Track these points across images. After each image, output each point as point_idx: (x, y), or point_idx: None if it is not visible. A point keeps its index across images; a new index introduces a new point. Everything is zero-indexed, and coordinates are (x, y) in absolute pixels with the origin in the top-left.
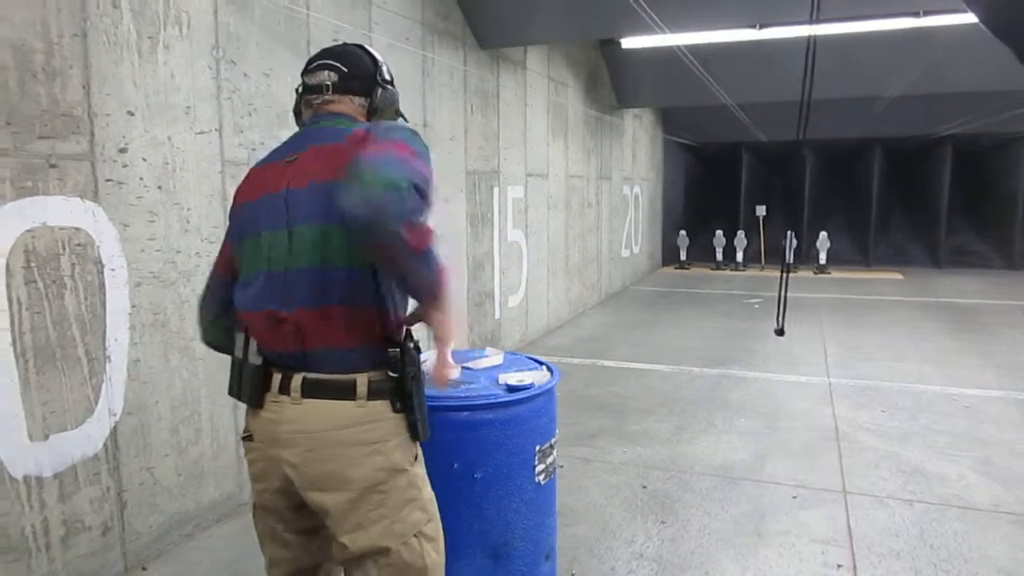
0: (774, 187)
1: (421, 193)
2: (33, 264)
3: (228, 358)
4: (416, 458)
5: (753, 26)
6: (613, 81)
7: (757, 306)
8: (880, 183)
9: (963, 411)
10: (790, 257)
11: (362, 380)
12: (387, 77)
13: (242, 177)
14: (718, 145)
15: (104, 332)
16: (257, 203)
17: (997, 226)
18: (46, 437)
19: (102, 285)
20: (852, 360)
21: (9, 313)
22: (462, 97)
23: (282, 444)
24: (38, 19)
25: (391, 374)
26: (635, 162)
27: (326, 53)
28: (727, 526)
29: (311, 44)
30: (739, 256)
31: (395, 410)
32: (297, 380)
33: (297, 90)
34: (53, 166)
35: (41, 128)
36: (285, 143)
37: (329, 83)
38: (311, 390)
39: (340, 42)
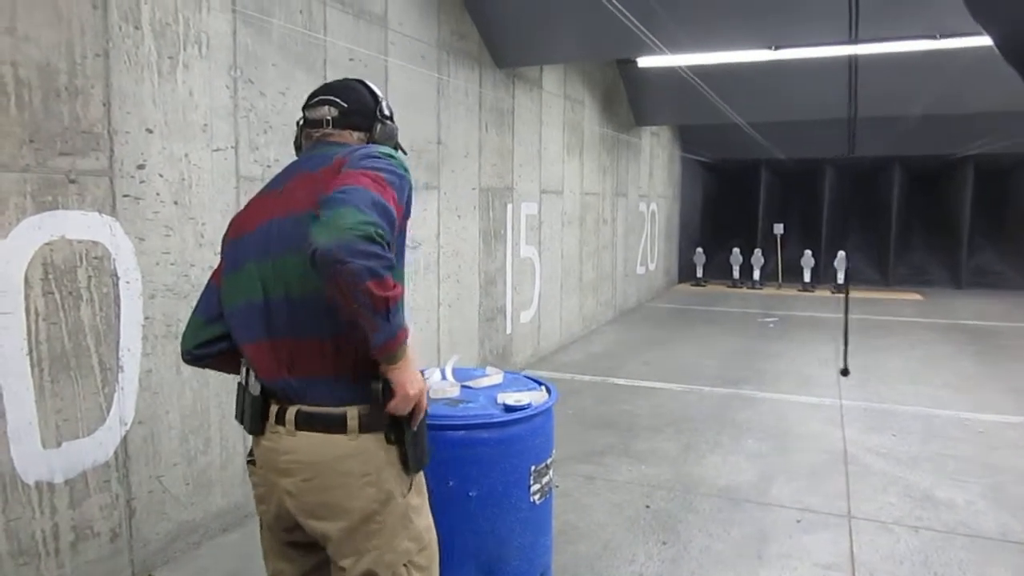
0: (793, 205)
1: (386, 235)
2: (51, 276)
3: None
4: (411, 488)
5: (769, 47)
6: (630, 99)
7: (772, 325)
8: (900, 202)
9: (976, 436)
10: (807, 276)
11: (352, 414)
12: (387, 112)
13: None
14: (736, 162)
15: (118, 343)
16: (254, 234)
17: (1020, 247)
18: (59, 444)
19: (117, 297)
20: (866, 382)
21: (26, 323)
22: (477, 115)
23: (280, 472)
24: (63, 41)
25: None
26: (652, 179)
27: (327, 88)
28: (728, 548)
29: (328, 64)
30: (756, 274)
31: (389, 442)
32: (292, 412)
33: (299, 123)
34: (73, 181)
35: (63, 145)
36: (283, 171)
37: (329, 118)
38: (305, 422)
39: (342, 76)
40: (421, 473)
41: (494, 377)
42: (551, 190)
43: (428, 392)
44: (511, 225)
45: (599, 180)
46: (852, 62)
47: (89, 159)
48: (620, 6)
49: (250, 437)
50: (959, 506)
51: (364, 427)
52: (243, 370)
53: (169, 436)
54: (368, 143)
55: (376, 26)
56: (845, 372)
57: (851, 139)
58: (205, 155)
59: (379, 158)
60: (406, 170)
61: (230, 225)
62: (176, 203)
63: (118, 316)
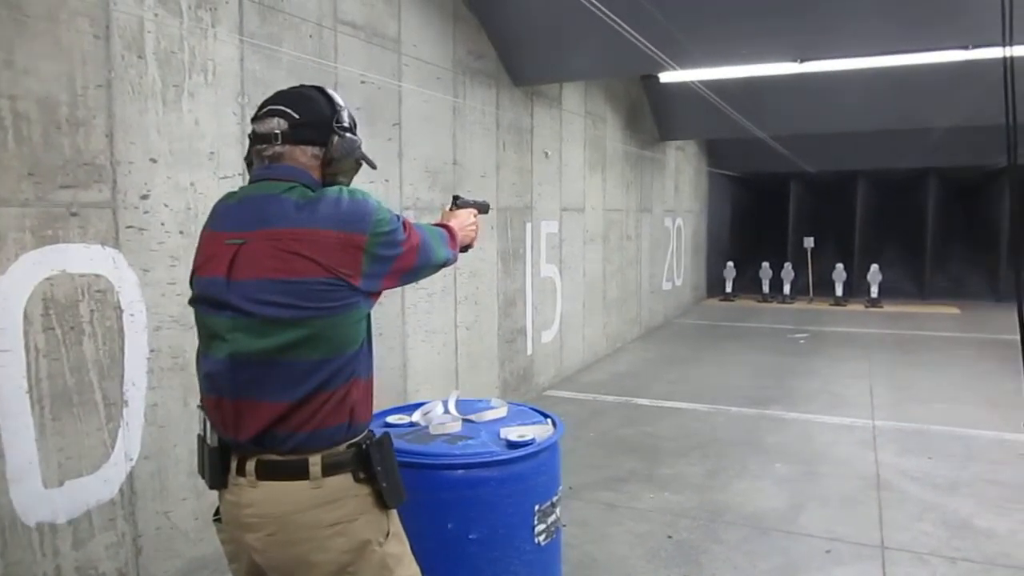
0: (824, 218)
1: (439, 252)
2: (51, 311)
3: None
4: (388, 535)
5: (795, 60)
6: (654, 114)
7: (803, 341)
8: (936, 214)
9: (1018, 459)
10: (839, 290)
11: (315, 460)
12: (346, 124)
13: None
14: (766, 176)
15: (122, 377)
16: (207, 281)
17: None
18: (61, 483)
19: (121, 330)
20: (900, 401)
21: (26, 360)
22: (494, 134)
23: (245, 528)
24: (64, 72)
25: (350, 444)
26: (678, 194)
27: (278, 97)
28: None
29: (339, 87)
30: (786, 289)
31: (358, 480)
32: (252, 463)
33: (249, 136)
34: (74, 214)
35: (63, 177)
36: (234, 206)
37: (279, 131)
38: (266, 472)
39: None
40: (399, 521)
41: (498, 410)
42: (572, 208)
43: (429, 428)
44: (531, 244)
45: (623, 196)
46: (1007, 64)
47: (91, 191)
48: (635, 28)
49: None
50: (1000, 535)
51: (328, 469)
52: (201, 421)
53: (177, 470)
54: (324, 160)
55: (389, 50)
56: None
57: (1011, 148)
58: (212, 183)
59: (368, 217)
60: (365, 195)
61: (195, 255)
62: (182, 232)
63: (122, 350)
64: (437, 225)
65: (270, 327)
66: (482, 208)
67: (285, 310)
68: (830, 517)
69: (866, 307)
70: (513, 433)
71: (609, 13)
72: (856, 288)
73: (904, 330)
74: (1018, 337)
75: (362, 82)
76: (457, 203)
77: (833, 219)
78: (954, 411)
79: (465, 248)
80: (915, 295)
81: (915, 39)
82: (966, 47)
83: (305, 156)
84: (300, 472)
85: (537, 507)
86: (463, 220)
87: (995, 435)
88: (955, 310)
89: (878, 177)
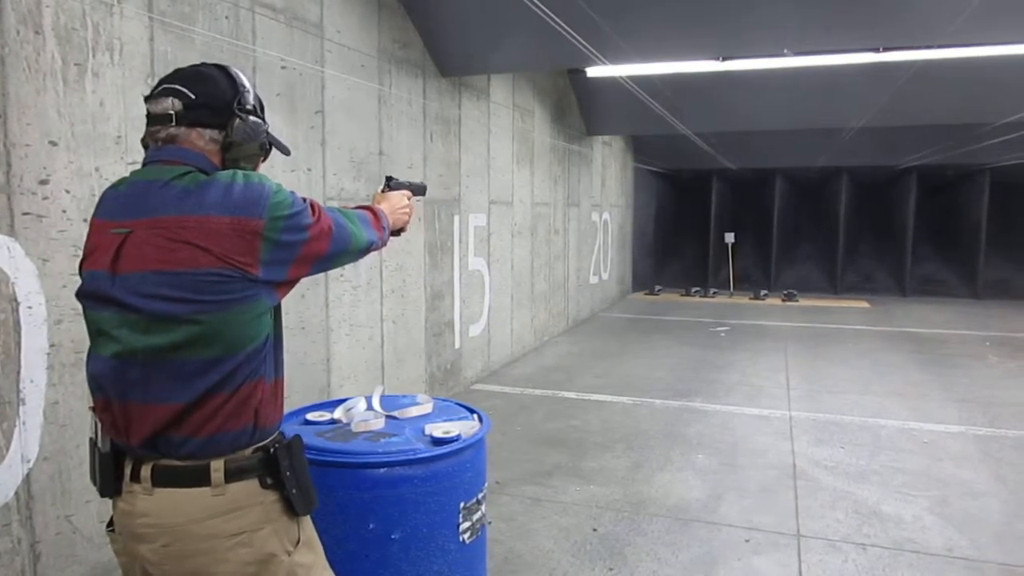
0: (744, 215)
1: (360, 234)
2: None
3: None
4: (298, 542)
5: (716, 58)
6: (581, 109)
7: (723, 334)
8: (847, 212)
9: (922, 448)
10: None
11: (216, 465)
12: (248, 106)
13: None
14: (689, 172)
15: (18, 373)
16: (91, 274)
17: (962, 256)
18: None
19: (17, 323)
20: (814, 393)
21: None
22: (421, 125)
23: (138, 539)
24: None
25: (256, 448)
26: (604, 189)
27: (175, 75)
28: (677, 573)
29: (257, 71)
30: (708, 283)
31: (264, 487)
32: (147, 468)
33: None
34: None
35: None
36: (122, 192)
37: (172, 112)
38: (163, 479)
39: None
40: (312, 527)
41: (424, 406)
42: (500, 201)
43: (351, 425)
44: (459, 237)
45: (550, 190)
46: None
47: None
48: (563, 20)
49: None
50: (906, 521)
51: (232, 475)
52: (93, 424)
53: (80, 472)
54: (223, 144)
55: (311, 35)
56: None
57: None
58: (119, 169)
59: (285, 218)
60: (276, 185)
61: (84, 245)
62: (85, 220)
63: (18, 344)
64: (360, 208)
65: (158, 323)
66: (417, 190)
67: (174, 304)
68: (749, 507)
69: (783, 301)
70: (438, 430)
71: (537, 2)
72: (774, 282)
73: (818, 323)
74: (924, 330)
75: (283, 67)
76: (390, 184)
77: (753, 215)
78: (864, 401)
79: (398, 232)
80: (828, 290)
81: (829, 40)
82: (877, 50)
83: (202, 140)
84: (200, 479)
85: (462, 505)
86: (394, 203)
87: (901, 424)
88: (865, 304)
89: (795, 175)
